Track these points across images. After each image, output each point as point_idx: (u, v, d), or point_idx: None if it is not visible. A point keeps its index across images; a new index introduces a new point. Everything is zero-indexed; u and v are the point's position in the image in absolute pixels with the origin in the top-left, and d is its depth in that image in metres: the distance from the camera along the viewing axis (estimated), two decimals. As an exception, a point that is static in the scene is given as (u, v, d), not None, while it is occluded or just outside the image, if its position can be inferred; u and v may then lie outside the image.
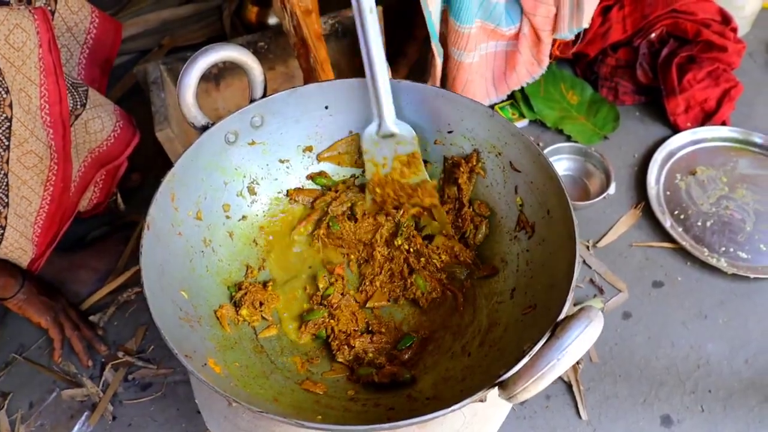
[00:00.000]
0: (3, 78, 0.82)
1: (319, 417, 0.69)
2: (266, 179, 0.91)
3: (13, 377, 1.12)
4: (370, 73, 0.81)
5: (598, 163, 1.30)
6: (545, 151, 1.25)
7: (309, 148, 0.92)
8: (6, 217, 0.91)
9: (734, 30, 1.35)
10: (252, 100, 0.84)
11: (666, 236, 1.21)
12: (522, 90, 1.37)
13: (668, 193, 1.26)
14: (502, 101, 1.40)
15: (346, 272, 0.91)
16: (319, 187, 0.95)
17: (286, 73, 1.33)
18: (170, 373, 1.10)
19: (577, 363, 1.06)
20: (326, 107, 0.88)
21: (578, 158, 1.33)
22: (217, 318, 0.80)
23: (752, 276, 1.13)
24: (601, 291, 1.15)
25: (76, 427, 1.05)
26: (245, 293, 0.84)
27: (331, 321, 0.85)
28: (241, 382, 0.71)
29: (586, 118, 1.39)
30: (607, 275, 1.17)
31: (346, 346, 0.83)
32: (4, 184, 0.89)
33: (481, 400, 0.62)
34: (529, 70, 1.25)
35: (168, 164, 1.08)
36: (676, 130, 1.35)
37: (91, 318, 1.17)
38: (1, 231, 0.92)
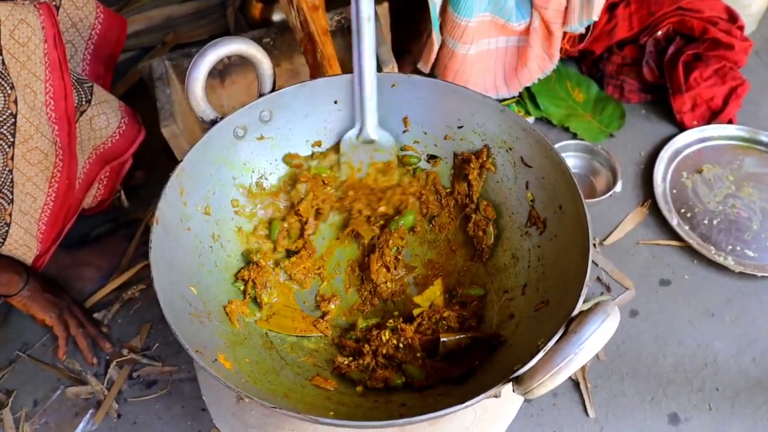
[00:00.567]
0: (8, 74, 0.82)
1: (332, 413, 0.69)
2: (275, 174, 0.90)
3: (17, 375, 1.11)
4: (358, 79, 0.83)
5: (605, 161, 1.30)
6: (552, 149, 1.25)
7: (318, 143, 0.91)
8: (11, 214, 0.91)
9: (741, 28, 1.35)
10: (261, 95, 0.84)
11: (673, 234, 1.20)
12: (527, 87, 1.37)
13: (675, 191, 1.26)
14: (505, 99, 1.40)
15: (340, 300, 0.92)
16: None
17: (291, 70, 1.33)
18: (175, 370, 1.09)
19: (585, 361, 1.05)
20: (335, 102, 0.88)
21: (585, 156, 1.32)
22: (227, 314, 0.79)
23: (759, 274, 1.12)
24: (608, 289, 1.15)
25: (81, 425, 1.04)
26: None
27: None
28: (251, 378, 0.71)
29: (592, 116, 1.38)
30: (614, 273, 1.17)
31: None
32: (9, 180, 0.88)
33: (496, 396, 0.61)
34: (540, 65, 1.25)
35: (172, 161, 1.08)
36: (682, 128, 1.35)
37: (96, 315, 1.16)
38: (6, 228, 0.92)
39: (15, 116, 0.84)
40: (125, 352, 1.11)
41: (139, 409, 1.06)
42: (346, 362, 0.80)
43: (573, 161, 1.33)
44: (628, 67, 1.39)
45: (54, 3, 0.97)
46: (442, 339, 0.79)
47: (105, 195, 1.17)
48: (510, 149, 0.84)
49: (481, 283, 0.88)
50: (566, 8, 1.15)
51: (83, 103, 1.00)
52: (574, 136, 1.36)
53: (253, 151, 0.87)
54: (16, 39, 0.81)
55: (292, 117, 0.87)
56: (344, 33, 1.27)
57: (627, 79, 1.39)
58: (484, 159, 0.86)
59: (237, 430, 0.82)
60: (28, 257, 0.99)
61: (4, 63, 0.81)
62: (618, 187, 1.25)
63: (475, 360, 0.77)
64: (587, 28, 1.22)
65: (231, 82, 1.30)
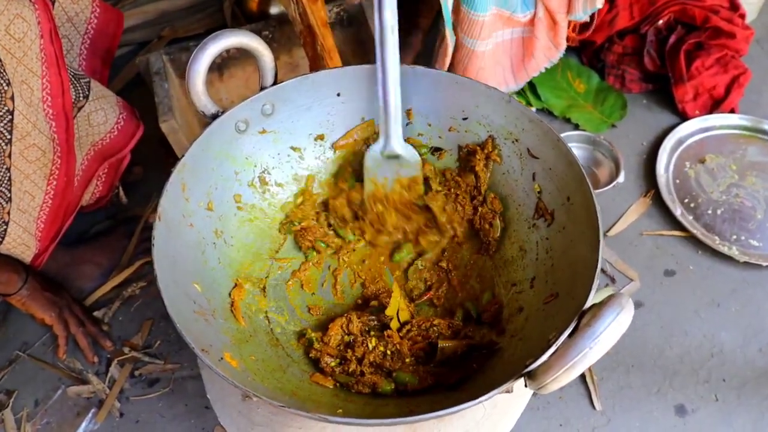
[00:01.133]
0: (4, 70, 0.80)
1: (340, 410, 0.68)
2: (277, 168, 0.89)
3: (17, 375, 1.10)
4: (382, 91, 0.80)
5: (607, 152, 1.29)
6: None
7: (321, 137, 0.90)
8: (9, 213, 0.89)
9: (742, 16, 1.34)
10: (262, 88, 0.82)
11: (676, 224, 1.20)
12: (528, 79, 1.36)
13: (678, 181, 1.25)
14: (513, 91, 1.39)
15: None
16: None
17: (290, 63, 1.32)
18: (177, 368, 1.08)
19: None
20: (338, 94, 0.86)
21: (587, 147, 1.31)
22: (232, 311, 0.78)
23: (764, 264, 1.12)
24: (612, 280, 1.14)
25: (83, 425, 1.03)
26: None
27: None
28: (258, 376, 0.70)
29: (594, 107, 1.37)
30: (618, 264, 1.16)
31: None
32: (7, 178, 0.86)
33: (508, 391, 0.60)
34: (546, 54, 1.23)
35: (170, 156, 1.06)
36: (684, 117, 1.34)
37: (96, 313, 1.15)
38: (4, 226, 0.90)
39: (12, 113, 0.83)
40: (126, 350, 1.10)
41: (142, 408, 1.05)
42: (332, 364, 0.79)
43: (575, 152, 1.31)
44: (629, 56, 1.38)
45: (49, -3, 0.96)
46: (440, 345, 0.78)
47: (103, 191, 1.16)
48: (516, 140, 0.83)
49: (488, 278, 0.87)
50: (570, -3, 1.14)
51: (81, 98, 0.98)
52: (576, 127, 1.35)
53: (255, 146, 0.86)
54: (12, 34, 0.80)
55: (294, 110, 0.86)
56: (343, 25, 1.26)
57: (628, 68, 1.38)
58: (490, 150, 0.85)
59: (243, 428, 0.81)
60: (27, 256, 0.98)
61: (0, 59, 0.79)
62: (621, 178, 1.25)
63: (471, 367, 0.76)
64: (591, 17, 1.21)
65: (229, 75, 1.29)
